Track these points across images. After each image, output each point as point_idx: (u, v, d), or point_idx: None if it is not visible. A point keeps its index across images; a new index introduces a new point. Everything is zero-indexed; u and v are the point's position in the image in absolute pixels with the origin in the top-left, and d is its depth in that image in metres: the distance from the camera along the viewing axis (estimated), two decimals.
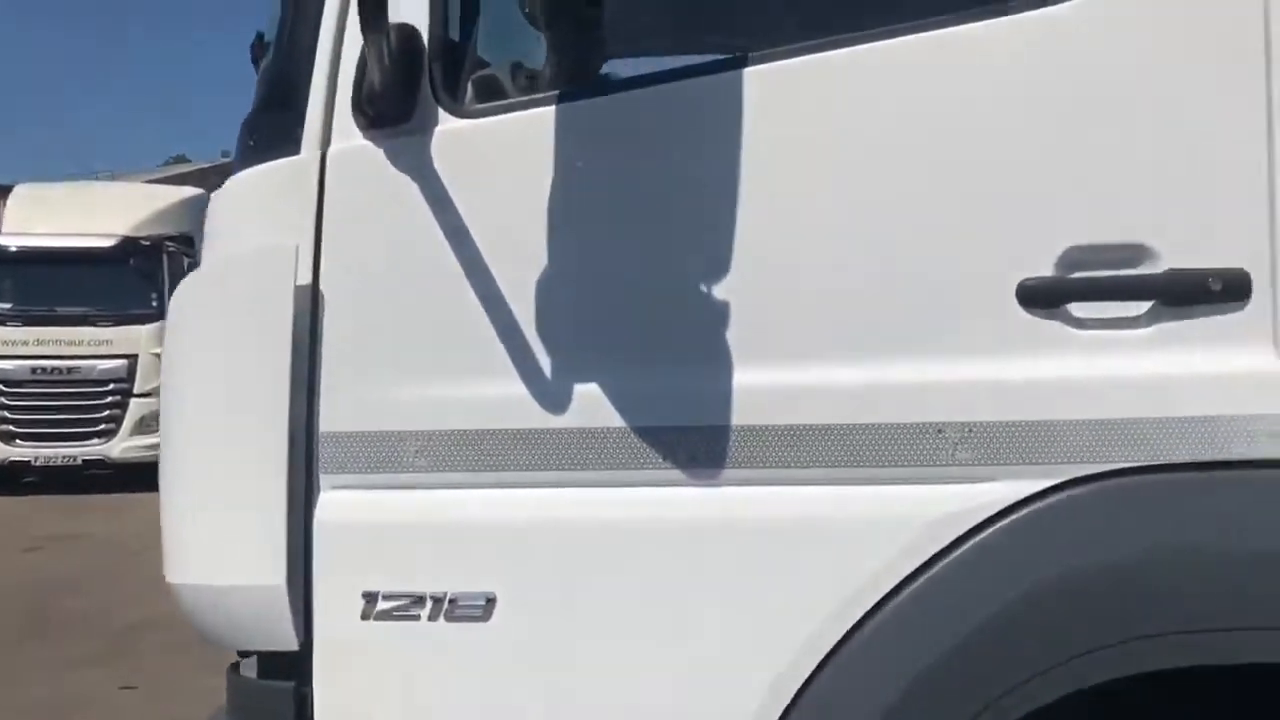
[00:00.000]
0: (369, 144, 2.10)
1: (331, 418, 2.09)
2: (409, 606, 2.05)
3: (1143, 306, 1.99)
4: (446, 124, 2.10)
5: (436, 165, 2.08)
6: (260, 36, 2.39)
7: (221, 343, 2.13)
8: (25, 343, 13.86)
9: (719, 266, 2.03)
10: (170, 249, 13.72)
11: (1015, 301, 1.99)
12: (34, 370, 13.84)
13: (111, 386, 13.77)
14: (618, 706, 2.05)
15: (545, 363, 2.07)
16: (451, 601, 2.05)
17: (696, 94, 2.10)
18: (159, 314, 12.71)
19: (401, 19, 2.06)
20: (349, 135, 2.12)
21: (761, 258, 2.03)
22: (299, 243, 2.09)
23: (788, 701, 1.99)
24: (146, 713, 6.07)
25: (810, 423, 2.02)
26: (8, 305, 14.08)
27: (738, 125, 2.02)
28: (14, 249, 14.08)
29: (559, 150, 2.06)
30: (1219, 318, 1.97)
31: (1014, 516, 1.98)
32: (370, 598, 2.06)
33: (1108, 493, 1.97)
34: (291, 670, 2.11)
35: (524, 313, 2.06)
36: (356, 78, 2.10)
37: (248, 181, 2.20)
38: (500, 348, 2.07)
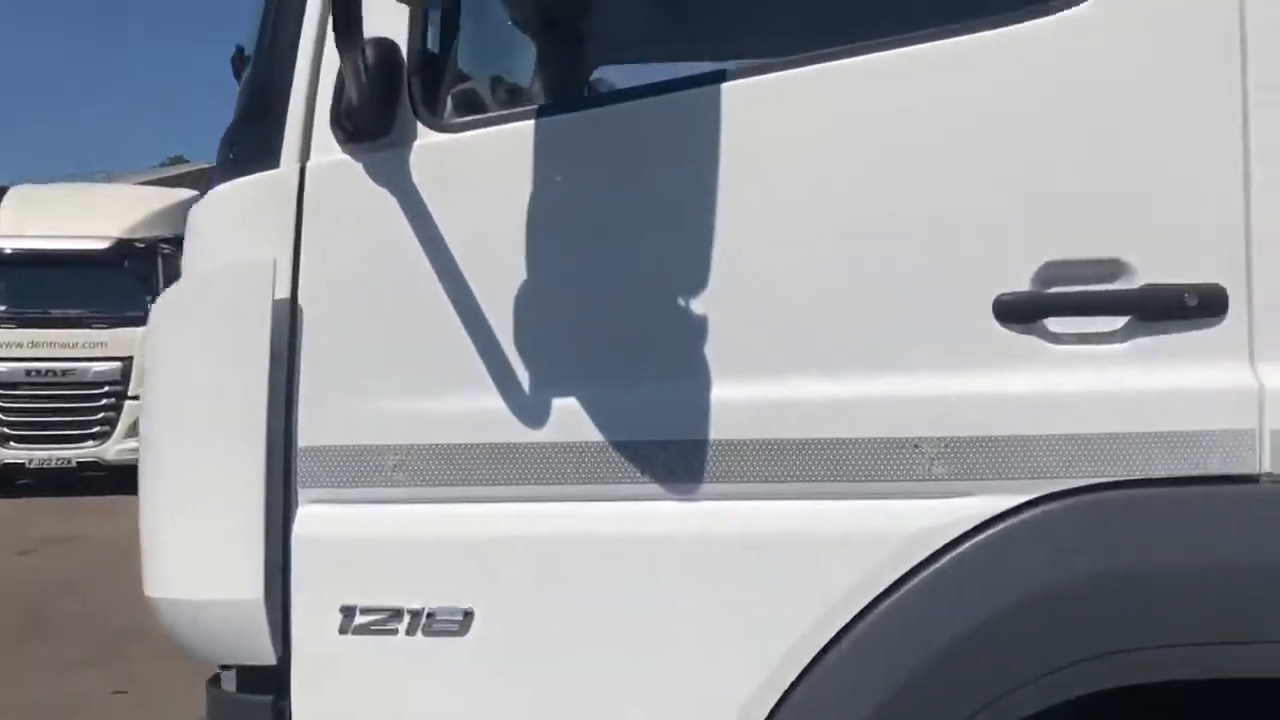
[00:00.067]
0: (348, 158, 2.11)
1: (310, 432, 2.10)
2: (386, 621, 2.06)
3: (1119, 322, 1.99)
4: (425, 138, 2.11)
5: (415, 179, 2.09)
6: (240, 50, 2.40)
7: (200, 356, 2.14)
8: (20, 345, 13.84)
9: (697, 281, 2.03)
10: (165, 251, 13.68)
11: (992, 316, 1.99)
12: (28, 372, 13.82)
13: (106, 389, 13.75)
14: None
15: (524, 377, 2.07)
16: (429, 616, 2.05)
17: (674, 109, 2.10)
18: None
19: (381, 33, 2.06)
20: (328, 149, 2.12)
21: (740, 272, 2.04)
22: (277, 256, 2.09)
23: (764, 717, 1.99)
24: (137, 718, 6.07)
25: (788, 437, 2.02)
26: (2, 307, 14.06)
27: (716, 140, 2.03)
28: (9, 251, 14.06)
29: (538, 164, 2.06)
30: (1195, 333, 1.98)
31: (990, 531, 1.98)
32: (348, 612, 2.06)
33: (1084, 508, 1.98)
34: (270, 684, 2.11)
35: (502, 327, 2.07)
36: (335, 91, 2.10)
37: (227, 194, 2.20)
38: (479, 362, 2.07)
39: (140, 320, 13.40)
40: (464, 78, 2.41)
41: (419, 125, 2.11)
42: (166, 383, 2.19)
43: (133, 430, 13.41)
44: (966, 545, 1.98)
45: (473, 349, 2.07)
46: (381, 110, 2.08)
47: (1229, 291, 1.97)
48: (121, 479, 12.28)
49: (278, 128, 2.13)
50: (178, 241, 14.20)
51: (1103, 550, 1.98)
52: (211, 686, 2.23)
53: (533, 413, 2.07)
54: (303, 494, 2.10)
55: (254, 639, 2.08)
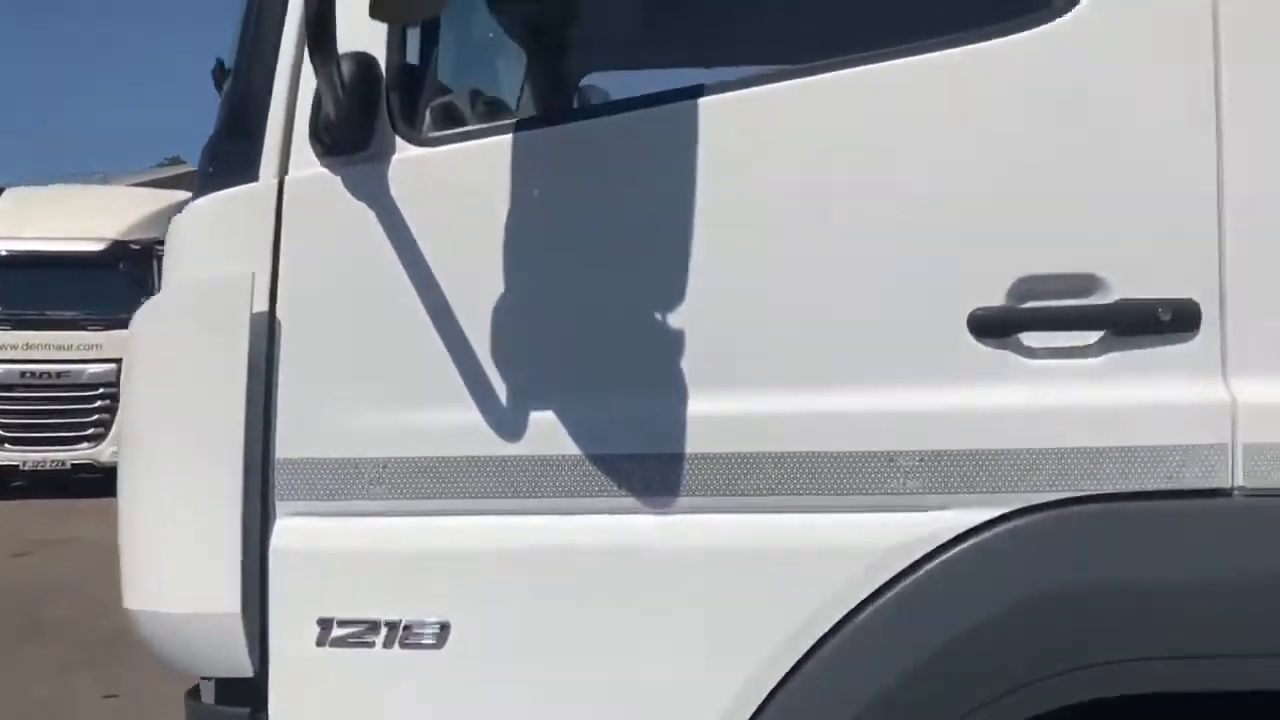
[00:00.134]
0: (326, 171, 2.11)
1: (288, 445, 2.10)
2: (363, 633, 2.06)
3: (1093, 336, 2.00)
4: (404, 152, 2.11)
5: (393, 193, 2.09)
6: (220, 62, 2.40)
7: (178, 369, 2.14)
8: (14, 347, 13.85)
9: (674, 295, 2.04)
10: (160, 253, 13.65)
11: (967, 331, 2.00)
12: (23, 374, 13.82)
13: (100, 391, 13.74)
14: None
15: (502, 390, 2.08)
16: (406, 628, 2.06)
17: (652, 123, 2.11)
18: None
19: (360, 47, 2.07)
20: (307, 162, 2.12)
21: (716, 287, 2.04)
22: (255, 270, 2.10)
23: None
24: None
25: (763, 451, 2.03)
26: None
27: (692, 155, 2.04)
28: (4, 252, 14.06)
29: (515, 178, 2.07)
30: (1168, 348, 1.99)
31: (965, 545, 1.99)
32: (325, 624, 2.07)
33: (1058, 522, 1.98)
34: (248, 696, 2.11)
35: (480, 341, 2.07)
36: (313, 105, 2.10)
37: (206, 207, 2.20)
38: (457, 376, 2.08)
39: None
40: (444, 90, 2.42)
41: (397, 139, 2.11)
42: (145, 395, 2.19)
43: None
44: (941, 559, 1.99)
45: (450, 362, 2.08)
46: (360, 124, 2.08)
47: (1202, 306, 1.98)
48: (115, 481, 12.27)
49: (256, 141, 2.13)
50: None
51: (1077, 564, 1.98)
52: (190, 698, 2.23)
53: (510, 426, 2.07)
54: (281, 506, 2.10)
55: (232, 651, 2.08)
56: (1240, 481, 1.96)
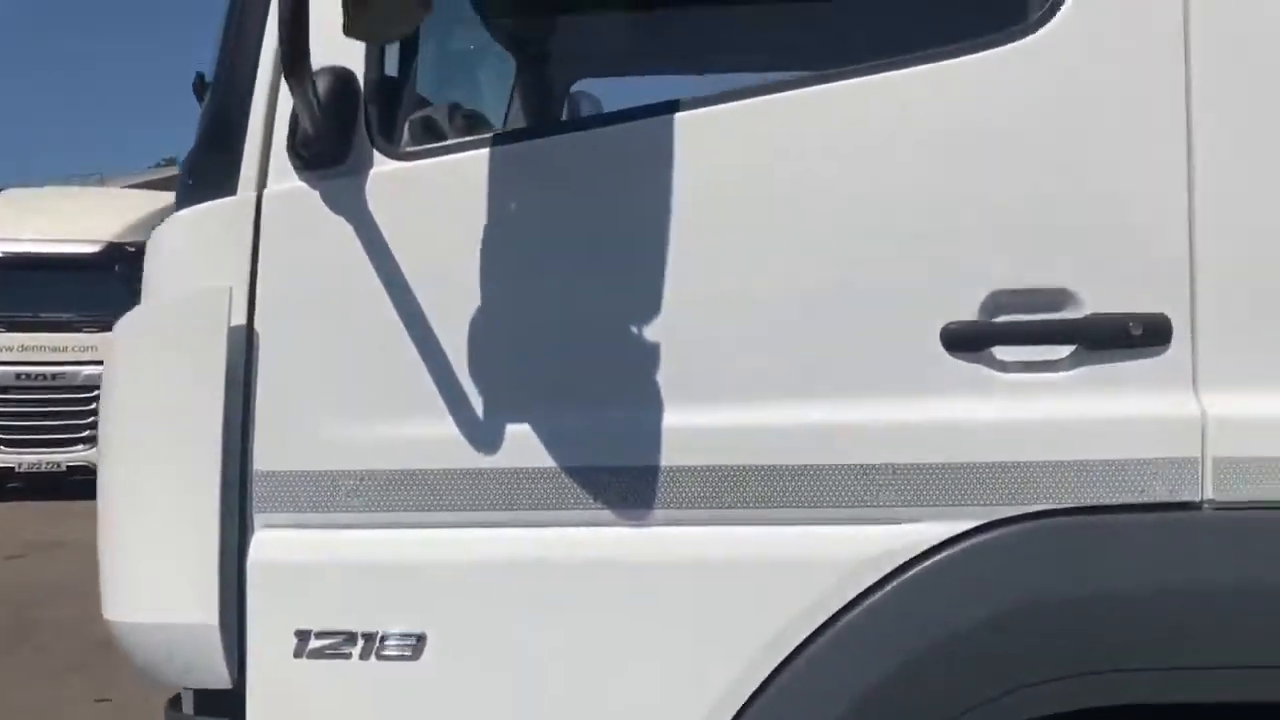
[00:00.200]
0: (304, 185, 2.12)
1: (265, 457, 2.11)
2: (340, 645, 2.07)
3: (1065, 350, 2.02)
4: (381, 166, 2.12)
5: (371, 206, 2.10)
6: (201, 76, 2.41)
7: (157, 382, 2.15)
8: (10, 349, 13.83)
9: (650, 309, 2.05)
10: None
11: (941, 345, 2.01)
12: (18, 376, 13.81)
13: (96, 393, 13.61)
14: None
15: (479, 404, 2.09)
16: (382, 640, 2.07)
17: (625, 138, 2.13)
18: None
19: (338, 61, 2.08)
20: (286, 176, 2.13)
21: (691, 301, 2.06)
22: (233, 284, 2.11)
23: None
24: None
25: (739, 464, 2.04)
26: None
27: (669, 169, 2.05)
28: None
29: (492, 192, 2.08)
30: (1139, 362, 2.00)
31: (938, 557, 2.00)
32: (302, 636, 2.08)
33: (1030, 534, 2.00)
34: (226, 706, 2.13)
35: (457, 354, 2.08)
36: (292, 119, 2.11)
37: (185, 221, 2.22)
38: (434, 389, 2.09)
39: None
40: (423, 103, 2.43)
41: (375, 153, 2.12)
42: (124, 407, 2.20)
43: None
44: (914, 571, 2.00)
45: (427, 375, 2.09)
46: (337, 138, 2.10)
47: (1173, 321, 1.99)
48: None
49: (235, 155, 2.15)
50: None
51: (1048, 576, 2.00)
52: (171, 708, 2.25)
53: (487, 439, 2.08)
54: (258, 518, 2.11)
55: (210, 662, 2.09)
56: (1210, 495, 1.98)
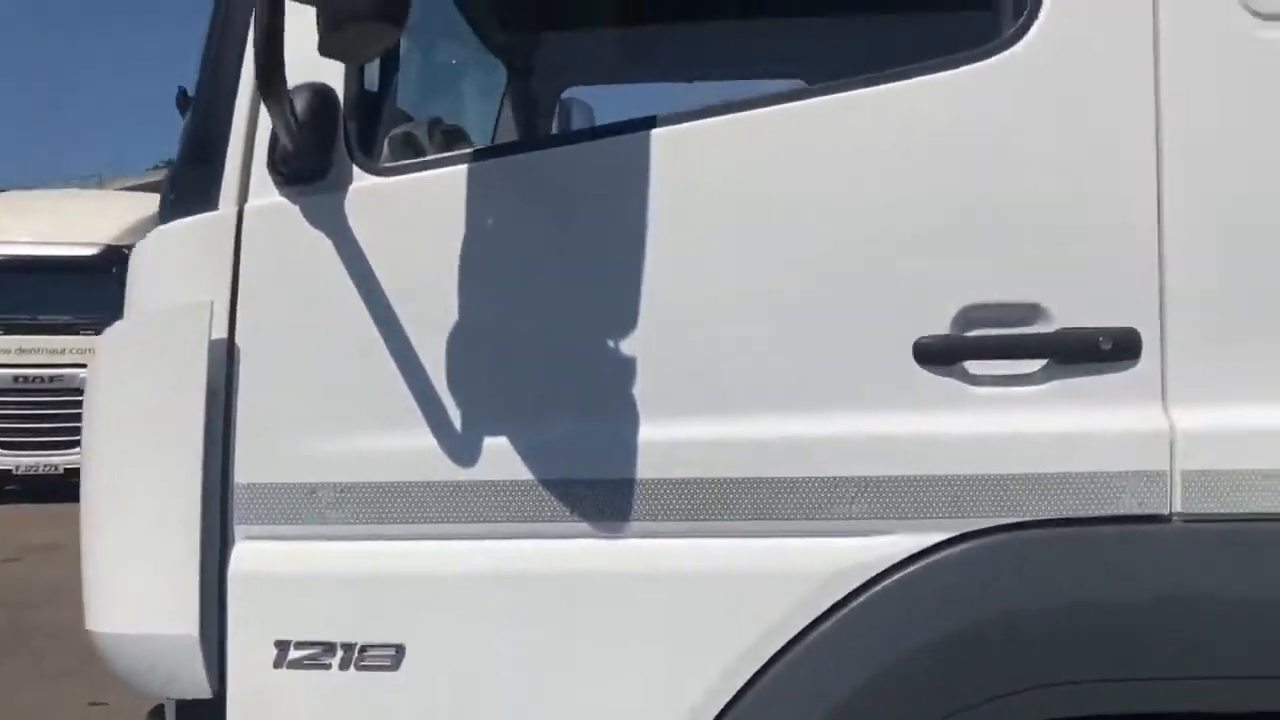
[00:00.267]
0: (285, 200, 2.14)
1: (246, 469, 2.13)
2: (320, 655, 2.10)
3: (1036, 364, 2.04)
4: (361, 181, 2.14)
5: (351, 221, 2.12)
6: (183, 91, 2.43)
7: (138, 395, 2.17)
8: (7, 351, 13.85)
9: (627, 324, 2.07)
10: None
11: (912, 359, 2.03)
12: (16, 378, 13.83)
13: None
14: None
15: (456, 417, 2.11)
16: (361, 651, 2.09)
17: (601, 153, 2.15)
18: None
19: (318, 77, 2.10)
20: (266, 191, 2.15)
21: (668, 315, 2.08)
22: (214, 299, 2.13)
23: None
24: None
25: (711, 476, 2.06)
26: None
27: (644, 184, 2.07)
28: None
29: (471, 207, 2.10)
30: (1109, 376, 2.02)
31: (910, 569, 2.02)
32: (282, 646, 2.10)
33: (1001, 546, 2.02)
34: (208, 716, 2.14)
35: (435, 368, 2.11)
36: (272, 135, 2.13)
37: (168, 234, 2.24)
38: (413, 402, 2.11)
39: None
40: (404, 118, 2.45)
41: (355, 168, 2.14)
42: (106, 421, 2.22)
43: None
44: (886, 583, 2.02)
45: (407, 389, 2.11)
46: (317, 154, 2.11)
47: (1143, 335, 2.01)
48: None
49: (217, 170, 2.17)
50: None
51: (1019, 587, 2.02)
52: (153, 718, 2.27)
53: (466, 452, 2.10)
54: (239, 530, 2.13)
55: (190, 673, 2.11)
56: (1179, 507, 2.00)
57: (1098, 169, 2.03)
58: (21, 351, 13.87)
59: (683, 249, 2.09)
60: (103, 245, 14.04)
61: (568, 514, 2.08)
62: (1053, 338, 2.02)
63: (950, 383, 2.03)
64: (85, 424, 2.23)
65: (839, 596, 2.02)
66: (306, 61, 1.99)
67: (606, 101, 4.29)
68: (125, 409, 2.19)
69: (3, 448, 13.78)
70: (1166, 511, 2.00)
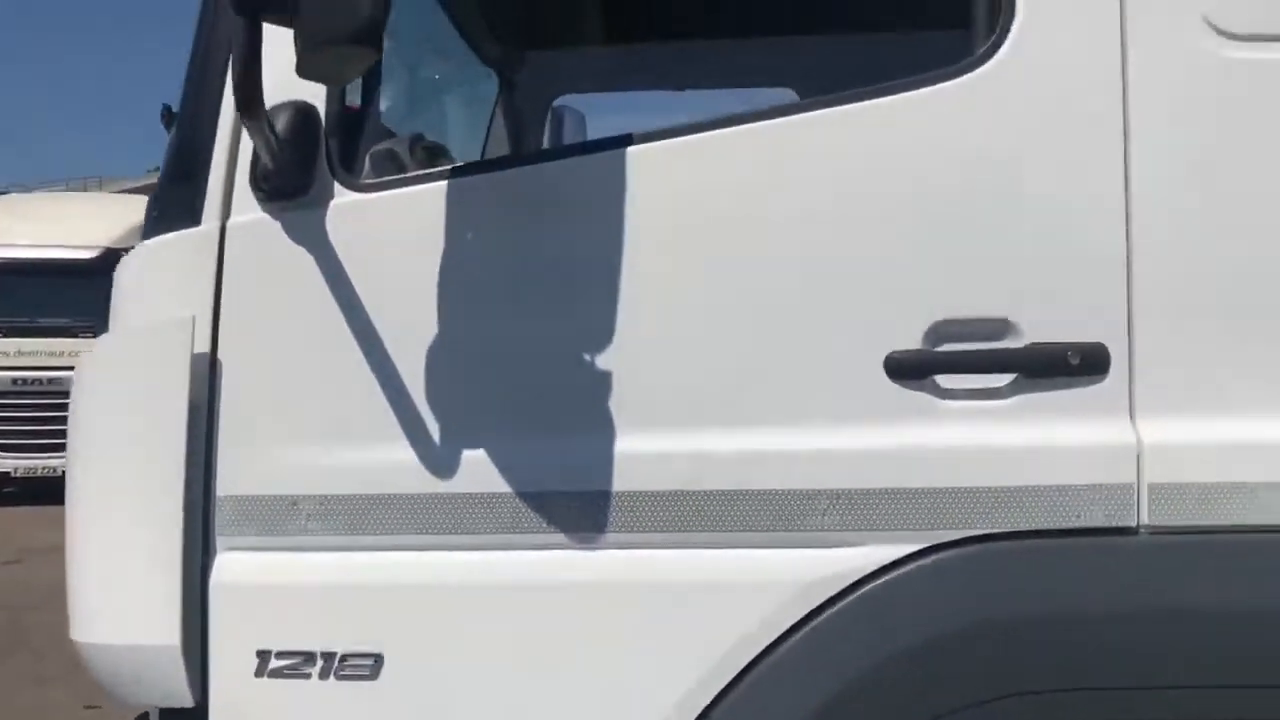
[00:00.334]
0: (267, 216, 2.17)
1: (228, 481, 2.16)
2: (300, 665, 2.13)
3: (1006, 379, 2.07)
4: (342, 197, 2.17)
5: (332, 237, 2.15)
6: (167, 108, 2.46)
7: (122, 408, 2.20)
8: (6, 354, 13.87)
9: (605, 337, 2.10)
10: None
11: (884, 373, 2.06)
12: (15, 381, 13.85)
13: None
14: None
15: (437, 430, 2.14)
16: (341, 660, 2.12)
17: (579, 170, 2.18)
18: None
19: (300, 95, 2.13)
20: (249, 208, 2.18)
21: (645, 330, 2.11)
22: (196, 314, 2.16)
23: None
24: None
25: (688, 489, 2.09)
26: None
27: (621, 200, 2.10)
28: None
29: (451, 222, 2.13)
30: (1078, 390, 2.05)
31: (881, 580, 2.05)
32: (263, 656, 2.13)
33: (971, 558, 2.05)
34: None
35: (416, 381, 2.13)
36: (254, 152, 2.16)
37: (152, 250, 2.26)
38: (392, 416, 2.14)
39: None
40: (386, 134, 2.48)
41: (336, 185, 2.17)
42: (91, 433, 2.25)
43: None
44: (857, 594, 2.05)
45: (388, 402, 2.14)
46: (299, 171, 2.14)
47: (1111, 351, 2.04)
48: None
49: (200, 186, 2.20)
50: None
51: (988, 598, 2.05)
52: None
53: (446, 465, 2.13)
54: (221, 541, 2.16)
55: (173, 682, 2.14)
56: (1146, 520, 2.03)
57: (1067, 186, 2.06)
58: (21, 354, 13.88)
59: (659, 264, 2.12)
60: (102, 248, 14.03)
61: (546, 525, 2.11)
62: (1022, 353, 2.05)
63: (921, 396, 2.06)
64: (70, 437, 2.26)
65: (812, 607, 2.05)
66: (288, 80, 2.00)
67: (598, 109, 4.32)
68: (109, 422, 2.22)
69: (2, 450, 13.80)
70: (1134, 524, 2.03)
